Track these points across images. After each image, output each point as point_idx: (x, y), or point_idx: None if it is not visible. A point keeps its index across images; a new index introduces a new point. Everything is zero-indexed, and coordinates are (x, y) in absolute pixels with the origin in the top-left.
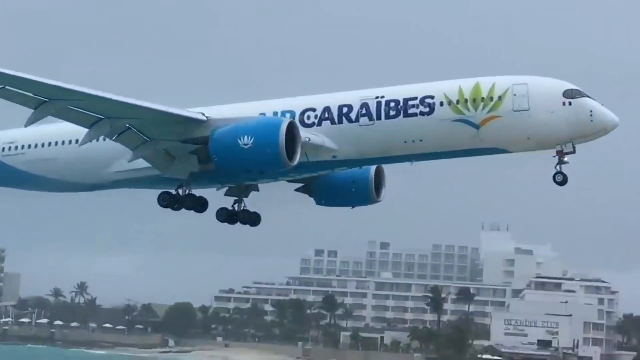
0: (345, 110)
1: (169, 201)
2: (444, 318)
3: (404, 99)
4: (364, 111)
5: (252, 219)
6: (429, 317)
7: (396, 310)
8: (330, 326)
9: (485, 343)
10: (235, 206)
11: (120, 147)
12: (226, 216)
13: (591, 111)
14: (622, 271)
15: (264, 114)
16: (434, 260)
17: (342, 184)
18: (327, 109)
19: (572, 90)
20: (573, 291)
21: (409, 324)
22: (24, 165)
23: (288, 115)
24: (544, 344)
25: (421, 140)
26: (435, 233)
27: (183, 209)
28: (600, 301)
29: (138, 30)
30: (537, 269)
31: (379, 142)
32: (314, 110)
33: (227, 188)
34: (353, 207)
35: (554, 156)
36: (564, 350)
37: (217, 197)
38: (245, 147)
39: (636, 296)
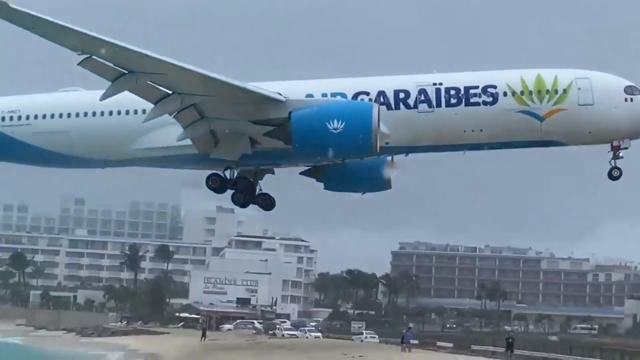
0: (402, 95)
1: (218, 184)
2: (142, 277)
3: (465, 87)
4: (422, 98)
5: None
6: (126, 275)
7: (91, 269)
8: (19, 285)
9: (184, 302)
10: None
11: (147, 124)
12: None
13: None
14: (321, 231)
15: (311, 95)
16: (132, 217)
17: (357, 170)
18: (381, 94)
19: (631, 87)
20: (273, 250)
21: (105, 282)
22: (29, 138)
23: (339, 97)
24: (243, 301)
25: (481, 130)
26: (135, 191)
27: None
28: (300, 260)
29: None
30: (239, 228)
31: (436, 130)
32: (367, 94)
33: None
34: (363, 193)
35: (609, 151)
36: (262, 308)
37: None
38: (335, 131)
39: (333, 256)
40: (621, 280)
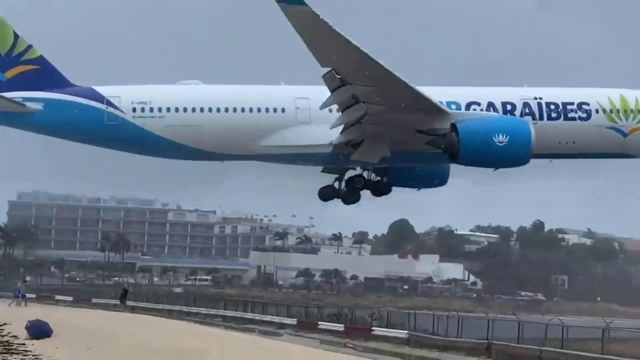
0: (509, 107)
1: (362, 184)
2: None
3: (562, 103)
4: (527, 110)
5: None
6: None
7: None
8: None
9: None
10: (336, 184)
11: (277, 123)
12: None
13: None
14: None
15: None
16: None
17: (422, 168)
18: (491, 105)
19: None
20: None
21: None
22: (161, 131)
23: (454, 107)
24: None
25: (574, 142)
26: None
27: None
28: None
29: None
30: None
31: (538, 140)
32: (479, 104)
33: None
34: (419, 189)
35: None
36: None
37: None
38: (500, 144)
39: None
40: (247, 232)
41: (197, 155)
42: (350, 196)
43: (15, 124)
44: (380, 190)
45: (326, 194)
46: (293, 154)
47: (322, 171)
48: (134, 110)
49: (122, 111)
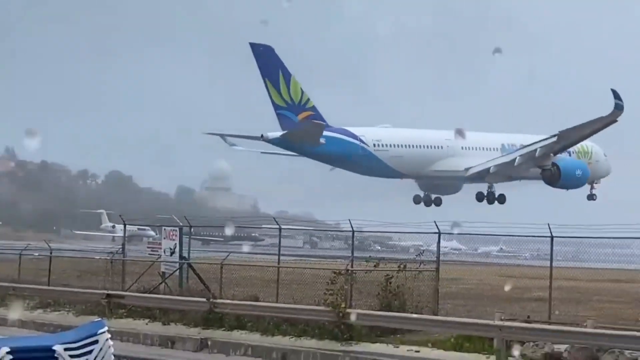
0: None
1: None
2: None
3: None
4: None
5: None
6: None
7: None
8: None
9: None
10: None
11: (448, 152)
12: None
13: None
14: None
15: (504, 145)
16: None
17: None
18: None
19: None
20: None
21: None
22: (387, 160)
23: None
24: None
25: None
26: None
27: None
28: None
29: None
30: None
31: None
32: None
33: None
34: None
35: None
36: None
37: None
38: (578, 176)
39: None
40: None
41: (396, 174)
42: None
43: (306, 153)
44: (498, 200)
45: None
46: (445, 176)
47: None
48: (375, 145)
49: (367, 145)
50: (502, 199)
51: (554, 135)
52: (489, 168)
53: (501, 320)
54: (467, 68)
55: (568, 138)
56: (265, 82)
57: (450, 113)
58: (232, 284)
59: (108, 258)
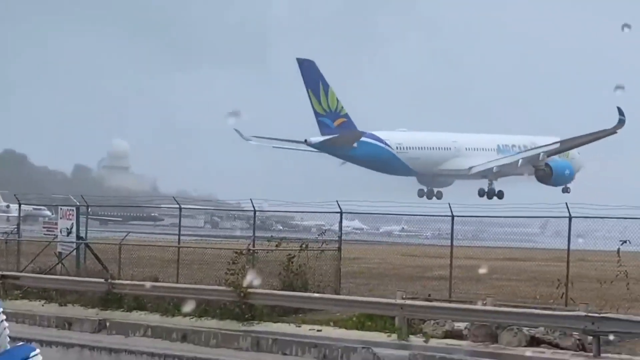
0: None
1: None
2: None
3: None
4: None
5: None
6: None
7: None
8: None
9: None
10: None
11: (452, 154)
12: None
13: None
14: None
15: (500, 145)
16: None
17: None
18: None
19: None
20: None
21: None
22: (406, 160)
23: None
24: None
25: None
26: None
27: None
28: None
29: None
30: None
31: None
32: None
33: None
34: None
35: None
36: None
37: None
38: (567, 174)
39: None
40: None
41: (413, 173)
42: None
43: (341, 155)
44: (497, 195)
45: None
46: (451, 174)
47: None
48: (397, 148)
49: (392, 148)
50: (500, 195)
51: (556, 142)
52: (492, 168)
53: (403, 298)
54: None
55: (568, 145)
56: (308, 92)
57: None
58: (131, 265)
59: (2, 238)
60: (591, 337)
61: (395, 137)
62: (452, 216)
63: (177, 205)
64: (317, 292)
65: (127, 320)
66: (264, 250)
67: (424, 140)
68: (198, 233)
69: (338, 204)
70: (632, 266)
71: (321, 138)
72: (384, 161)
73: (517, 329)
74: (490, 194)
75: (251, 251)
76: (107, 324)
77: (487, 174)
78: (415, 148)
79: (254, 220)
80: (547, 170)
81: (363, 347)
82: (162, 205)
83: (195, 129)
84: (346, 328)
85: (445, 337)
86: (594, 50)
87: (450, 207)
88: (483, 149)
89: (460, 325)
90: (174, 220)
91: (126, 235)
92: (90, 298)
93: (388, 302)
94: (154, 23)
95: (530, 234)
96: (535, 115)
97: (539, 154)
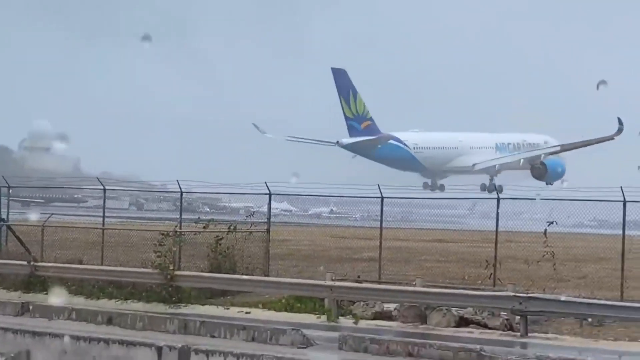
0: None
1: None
2: None
3: None
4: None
5: None
6: None
7: None
8: None
9: None
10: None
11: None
12: None
13: None
14: None
15: (501, 144)
16: None
17: (557, 170)
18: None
19: None
20: None
21: None
22: (422, 160)
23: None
24: None
25: None
26: None
27: None
28: None
29: None
30: None
31: None
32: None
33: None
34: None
35: None
36: None
37: None
38: (559, 172)
39: None
40: None
41: (425, 170)
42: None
43: (368, 155)
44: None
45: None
46: (457, 171)
47: None
48: (414, 148)
49: (409, 148)
50: (500, 189)
51: (557, 146)
52: (495, 165)
53: (332, 280)
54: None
55: (569, 148)
56: (340, 98)
57: None
58: (54, 247)
59: None
60: (519, 317)
61: (412, 138)
62: (382, 197)
63: (102, 187)
64: (246, 274)
65: (50, 303)
66: (191, 232)
67: (436, 140)
68: (123, 215)
69: (267, 185)
70: (558, 247)
71: (351, 140)
72: (403, 160)
73: (446, 309)
74: (490, 188)
75: (178, 233)
76: (30, 307)
77: (490, 171)
78: (429, 148)
79: (181, 202)
80: (542, 168)
81: (292, 329)
82: (85, 187)
83: (124, 111)
84: (275, 310)
85: (374, 319)
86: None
87: (379, 188)
88: (484, 147)
89: (390, 307)
90: (98, 202)
91: (49, 217)
92: (12, 281)
93: (317, 283)
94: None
95: (459, 216)
96: (518, 112)
97: (540, 155)
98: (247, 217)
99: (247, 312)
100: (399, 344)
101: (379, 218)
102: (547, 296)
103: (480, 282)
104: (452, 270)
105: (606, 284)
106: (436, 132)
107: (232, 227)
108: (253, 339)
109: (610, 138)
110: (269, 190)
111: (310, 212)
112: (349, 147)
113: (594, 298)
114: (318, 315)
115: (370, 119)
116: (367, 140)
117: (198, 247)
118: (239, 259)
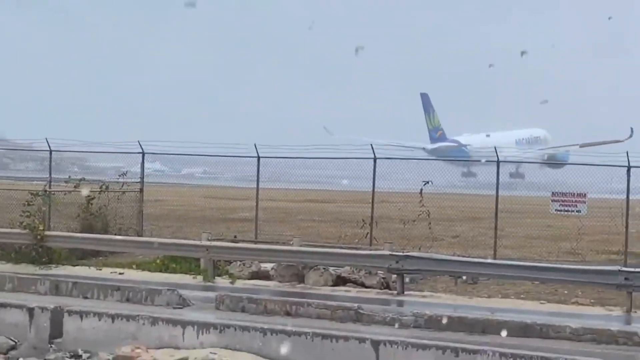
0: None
1: None
2: None
3: None
4: None
5: None
6: None
7: None
8: None
9: None
10: None
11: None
12: None
13: None
14: None
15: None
16: None
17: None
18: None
19: None
20: None
21: None
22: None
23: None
24: None
25: None
26: None
27: None
28: None
29: None
30: None
31: None
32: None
33: None
34: None
35: None
36: None
37: None
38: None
39: None
40: None
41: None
42: None
43: (441, 157)
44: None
45: None
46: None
47: None
48: (466, 147)
49: (468, 151)
50: (522, 175)
51: (576, 145)
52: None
53: (208, 240)
54: None
55: (587, 146)
56: (425, 115)
57: None
58: None
59: None
60: (395, 276)
61: (468, 140)
62: (258, 157)
63: None
64: (119, 235)
65: None
66: (61, 191)
67: (485, 141)
68: None
69: (140, 144)
70: (433, 207)
71: (434, 145)
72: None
73: (324, 268)
74: (515, 175)
75: (47, 192)
76: None
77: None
78: (481, 148)
79: (50, 161)
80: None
81: (168, 289)
82: None
83: None
84: (150, 271)
85: (251, 278)
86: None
87: (255, 147)
88: (509, 143)
89: (267, 266)
90: None
91: None
92: None
93: (193, 243)
94: None
95: (334, 177)
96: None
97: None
98: (119, 176)
99: (120, 273)
100: (276, 303)
101: (255, 178)
102: (423, 254)
103: (357, 241)
104: (329, 230)
105: (480, 242)
106: (482, 133)
107: (104, 187)
108: (128, 300)
109: (620, 140)
110: (142, 149)
111: (183, 172)
112: (431, 152)
113: (469, 256)
114: (194, 276)
115: (442, 129)
116: (445, 145)
117: (69, 208)
118: (111, 220)
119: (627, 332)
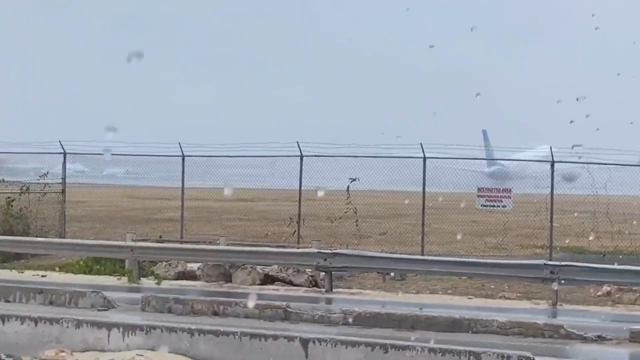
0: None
1: None
2: None
3: None
4: None
5: None
6: None
7: None
8: None
9: None
10: None
11: None
12: None
13: None
14: None
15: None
16: None
17: None
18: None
19: None
20: None
21: None
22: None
23: None
24: None
25: None
26: None
27: None
28: None
29: None
30: None
31: None
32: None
33: None
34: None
35: None
36: None
37: None
38: None
39: None
40: None
41: None
42: None
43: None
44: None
45: None
46: None
47: None
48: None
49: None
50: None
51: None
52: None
53: (133, 240)
54: None
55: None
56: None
57: None
58: None
59: None
60: (323, 273)
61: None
62: (183, 156)
63: None
64: (40, 237)
65: None
66: None
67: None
68: None
69: (61, 144)
70: (360, 204)
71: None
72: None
73: (251, 267)
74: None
75: None
76: None
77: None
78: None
79: None
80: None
81: (92, 292)
82: None
83: None
84: (73, 273)
85: (178, 279)
86: None
87: (180, 145)
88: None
89: (194, 266)
90: None
91: None
92: None
93: (117, 244)
94: None
95: (260, 175)
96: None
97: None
98: (39, 177)
99: (42, 276)
100: (203, 303)
101: (180, 178)
102: (351, 252)
103: (284, 239)
104: (255, 229)
105: (407, 239)
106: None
107: (24, 188)
108: (51, 303)
109: None
110: (64, 150)
111: (104, 173)
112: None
113: (396, 253)
114: (119, 277)
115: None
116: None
117: None
118: (32, 221)
119: (553, 325)
